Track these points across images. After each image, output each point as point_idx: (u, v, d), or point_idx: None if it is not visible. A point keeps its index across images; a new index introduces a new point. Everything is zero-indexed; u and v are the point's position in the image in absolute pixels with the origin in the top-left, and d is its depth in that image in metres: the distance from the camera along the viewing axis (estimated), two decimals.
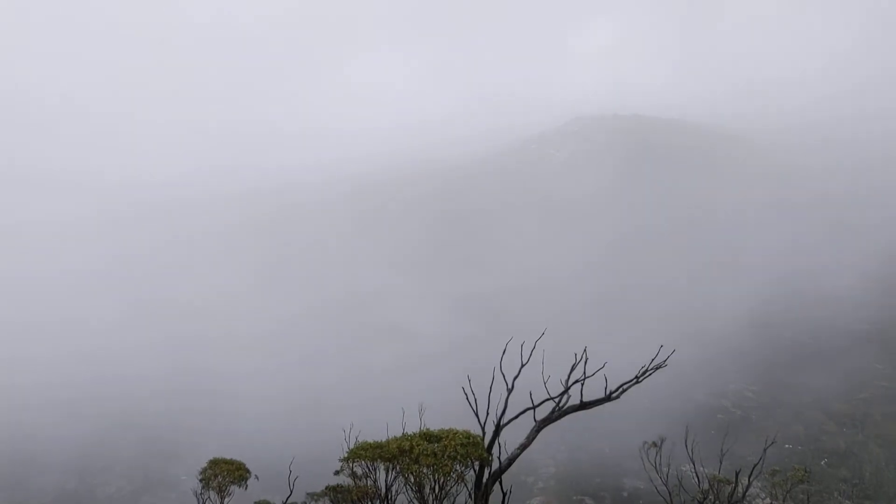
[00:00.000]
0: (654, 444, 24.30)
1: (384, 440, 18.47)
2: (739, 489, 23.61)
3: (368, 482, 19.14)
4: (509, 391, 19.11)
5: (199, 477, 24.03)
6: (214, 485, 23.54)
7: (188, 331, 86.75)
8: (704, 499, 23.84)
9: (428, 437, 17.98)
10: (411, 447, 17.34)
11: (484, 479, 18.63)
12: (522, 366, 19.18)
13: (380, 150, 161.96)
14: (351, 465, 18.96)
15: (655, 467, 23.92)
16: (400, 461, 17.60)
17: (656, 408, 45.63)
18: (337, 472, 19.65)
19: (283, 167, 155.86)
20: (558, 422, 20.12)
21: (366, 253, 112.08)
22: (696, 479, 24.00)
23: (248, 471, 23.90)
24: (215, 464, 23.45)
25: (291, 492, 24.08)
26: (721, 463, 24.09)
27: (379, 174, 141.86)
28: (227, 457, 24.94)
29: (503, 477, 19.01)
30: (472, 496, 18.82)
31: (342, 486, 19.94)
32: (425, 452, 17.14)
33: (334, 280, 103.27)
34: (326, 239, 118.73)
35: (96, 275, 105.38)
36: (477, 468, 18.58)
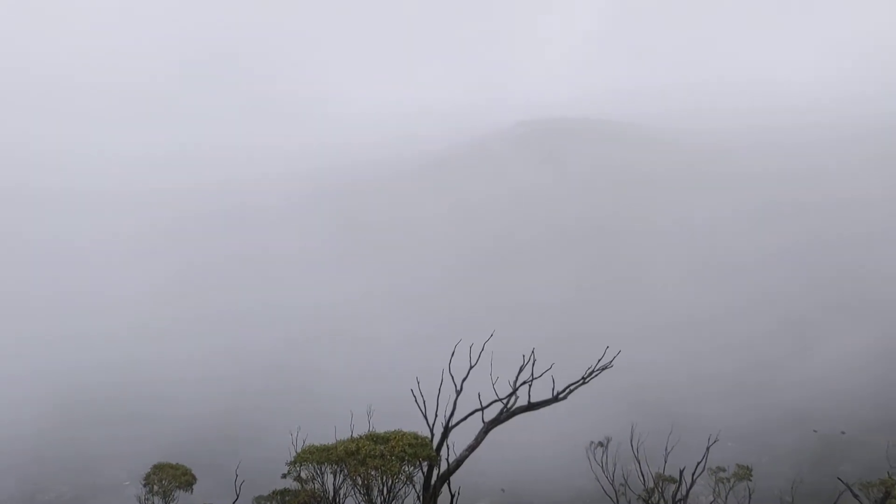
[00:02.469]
0: (601, 444, 24.63)
1: (332, 443, 18.38)
2: (683, 488, 24.05)
3: (316, 485, 19.01)
4: (458, 393, 19.19)
5: (143, 482, 23.65)
6: (158, 490, 23.17)
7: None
8: (650, 497, 24.24)
9: (375, 439, 17.95)
10: (358, 449, 17.28)
11: (432, 481, 18.67)
12: (471, 367, 19.30)
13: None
14: (298, 468, 18.82)
15: (602, 467, 24.26)
16: (347, 463, 17.52)
17: (604, 407, 46.32)
18: (284, 476, 19.51)
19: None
20: (507, 423, 20.27)
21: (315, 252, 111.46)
22: (642, 478, 24.40)
23: (193, 476, 23.58)
24: (160, 468, 23.09)
25: (238, 496, 23.79)
26: (666, 462, 24.54)
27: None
28: (173, 461, 24.61)
29: (452, 478, 19.09)
30: (421, 498, 18.84)
31: (289, 490, 19.79)
32: (372, 454, 17.11)
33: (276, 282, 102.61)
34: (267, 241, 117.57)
35: None
36: (425, 469, 18.61)
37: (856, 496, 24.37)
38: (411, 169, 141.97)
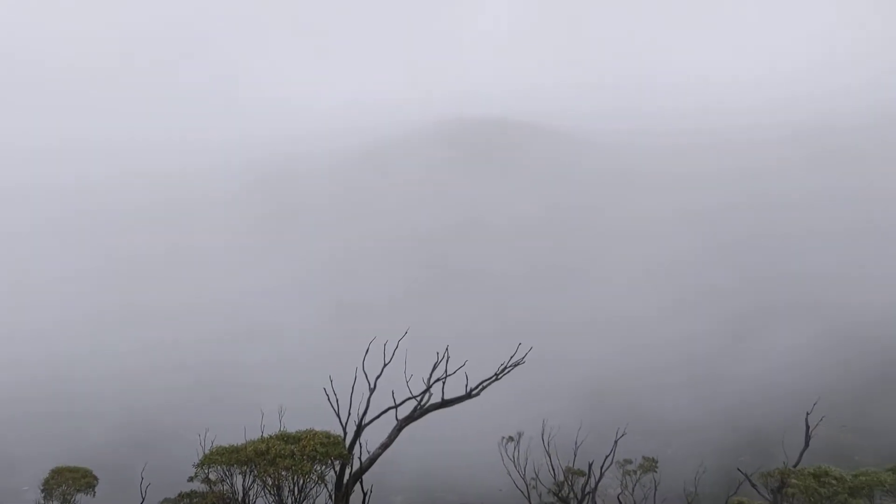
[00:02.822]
0: (511, 439, 24.96)
1: (241, 444, 18.04)
2: (592, 481, 24.64)
3: (224, 487, 18.60)
4: (371, 391, 19.12)
5: (41, 487, 22.66)
6: (58, 494, 22.25)
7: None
8: (559, 490, 24.72)
9: (286, 438, 17.70)
10: (268, 449, 17.01)
11: (344, 480, 18.54)
12: (385, 365, 19.23)
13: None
14: (206, 470, 18.37)
15: (514, 462, 24.60)
16: (257, 464, 17.22)
17: (517, 402, 46.95)
18: (191, 479, 19.00)
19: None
20: (421, 420, 20.31)
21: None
22: (552, 472, 24.86)
23: (95, 477, 22.74)
24: (58, 472, 22.16)
25: (143, 498, 23.08)
26: (575, 456, 25.09)
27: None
28: (85, 463, 23.71)
29: (365, 476, 19.00)
30: (333, 497, 18.68)
31: (196, 493, 19.30)
32: (282, 454, 16.86)
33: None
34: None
35: None
36: (337, 468, 18.47)
37: (754, 486, 25.50)
38: (340, 162, 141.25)
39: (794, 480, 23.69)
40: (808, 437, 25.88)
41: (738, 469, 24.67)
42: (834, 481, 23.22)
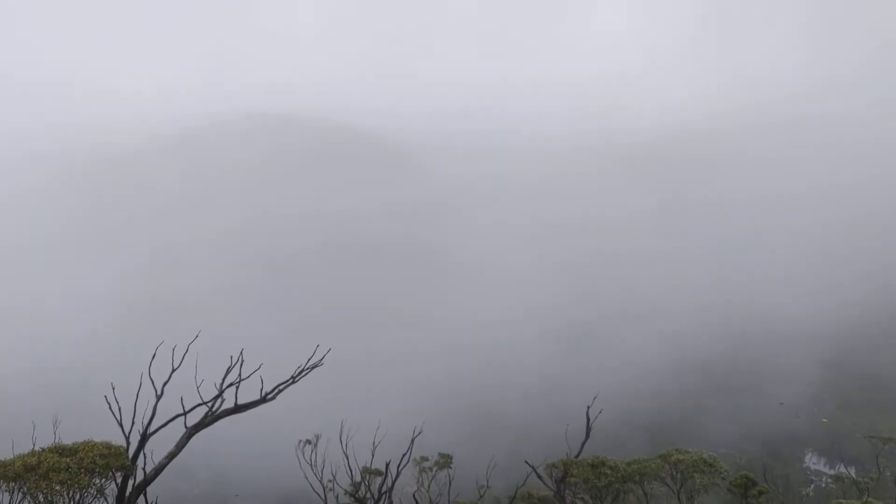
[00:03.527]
0: (309, 442, 24.81)
1: (7, 458, 16.58)
2: (389, 479, 25.00)
3: None
4: (158, 397, 18.26)
5: None
6: None
7: None
8: (356, 491, 24.88)
9: (61, 451, 16.48)
10: (39, 463, 15.75)
11: (127, 492, 17.58)
12: (174, 370, 18.47)
13: None
14: None
15: (311, 464, 24.45)
16: (27, 479, 15.89)
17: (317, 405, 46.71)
18: None
19: None
20: (216, 426, 19.66)
21: None
22: (350, 473, 24.96)
23: None
24: None
25: None
26: (373, 455, 25.33)
27: None
28: None
29: (152, 488, 18.11)
30: None
31: None
32: (56, 468, 15.69)
33: None
34: None
35: None
36: (119, 480, 17.47)
37: (540, 477, 27.05)
38: (153, 156, 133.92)
39: (574, 470, 25.45)
40: (588, 429, 27.77)
41: (526, 462, 26.01)
42: (609, 470, 25.22)
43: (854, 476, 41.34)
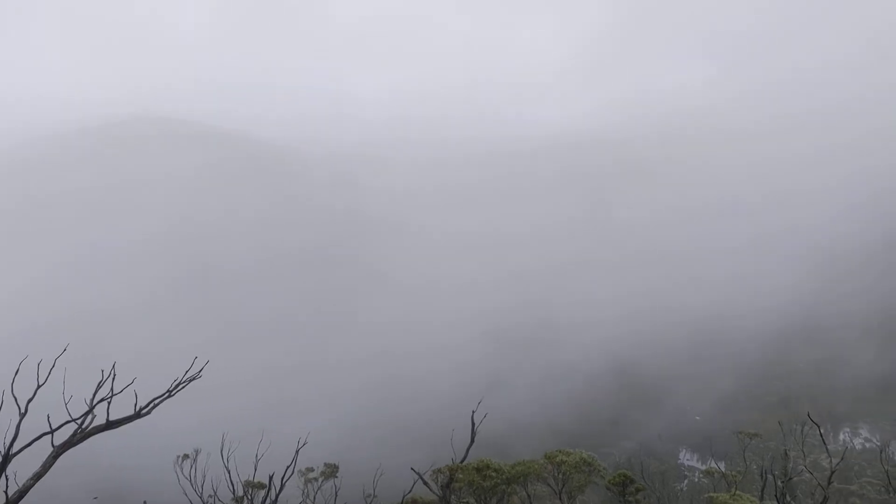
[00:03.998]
0: (188, 456, 24.08)
1: None
2: (273, 492, 24.56)
3: None
4: (21, 416, 17.25)
5: None
6: None
7: None
8: None
9: None
10: None
11: None
12: (39, 386, 17.50)
13: None
14: None
15: (190, 479, 23.73)
16: None
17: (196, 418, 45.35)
18: None
19: None
20: (87, 443, 18.76)
21: None
22: (231, 487, 24.37)
23: None
24: None
25: None
26: (256, 469, 24.83)
27: None
28: None
29: None
30: None
31: None
32: None
33: None
34: None
35: None
36: None
37: (426, 483, 27.21)
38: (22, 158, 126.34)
39: (460, 475, 25.76)
40: (473, 434, 28.15)
41: (412, 469, 26.12)
42: (494, 473, 25.68)
43: (723, 470, 43.66)
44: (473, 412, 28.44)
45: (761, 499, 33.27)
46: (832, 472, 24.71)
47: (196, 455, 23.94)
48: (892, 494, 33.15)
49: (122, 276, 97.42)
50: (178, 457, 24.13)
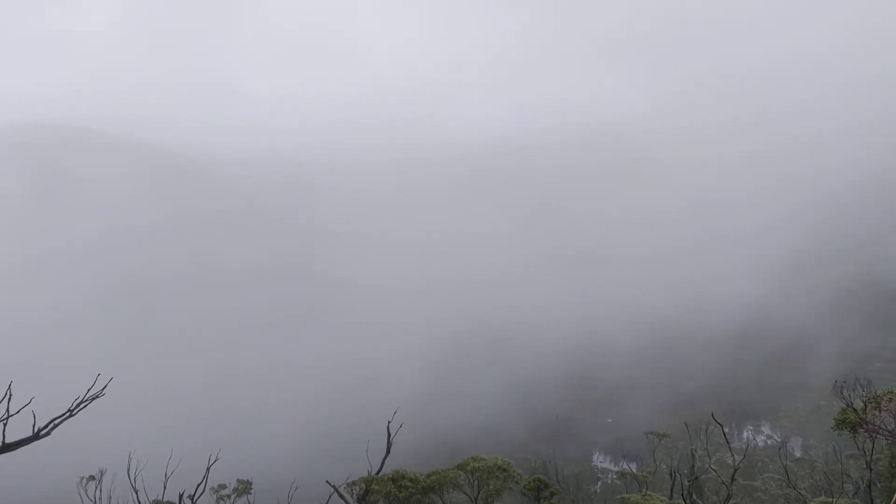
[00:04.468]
0: (93, 478, 23.20)
1: None
2: None
3: None
4: None
5: None
6: None
7: None
8: None
9: None
10: None
11: None
12: None
13: None
14: None
15: (94, 501, 22.84)
16: None
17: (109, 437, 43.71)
18: None
19: None
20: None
21: None
22: None
23: None
24: None
25: None
26: (165, 488, 24.10)
27: None
28: None
29: None
30: None
31: None
32: None
33: None
34: None
35: None
36: None
37: (342, 496, 26.96)
38: None
39: (375, 487, 25.65)
40: (389, 444, 28.05)
41: (327, 482, 25.86)
42: (409, 483, 25.67)
43: (635, 471, 44.81)
44: (389, 423, 28.32)
45: (671, 497, 34.35)
46: (735, 470, 25.76)
47: (101, 476, 23.06)
48: (791, 489, 34.68)
49: (40, 289, 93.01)
50: (83, 478, 23.19)
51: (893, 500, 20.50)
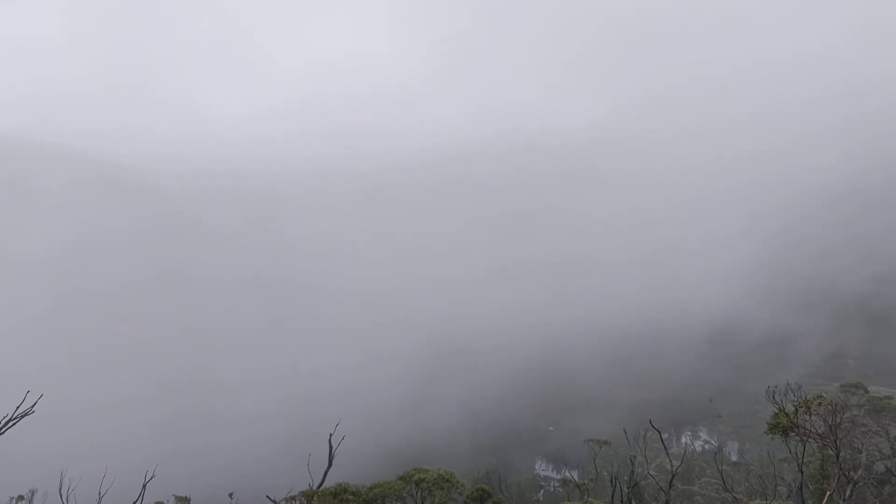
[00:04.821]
0: (22, 497, 22.39)
1: None
2: None
3: None
4: None
5: None
6: None
7: None
8: None
9: None
10: None
11: None
12: None
13: None
14: None
15: None
16: None
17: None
18: None
19: None
20: None
21: None
22: None
23: None
24: None
25: None
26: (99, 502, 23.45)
27: None
28: None
29: None
30: None
31: None
32: None
33: None
34: None
35: None
36: None
37: None
38: None
39: (316, 501, 25.35)
40: (331, 457, 27.78)
41: (267, 496, 25.50)
42: (351, 497, 25.46)
43: (577, 479, 45.27)
44: (331, 435, 28.08)
45: (611, 503, 34.80)
46: (672, 475, 26.23)
47: (32, 495, 22.24)
48: (727, 493, 35.54)
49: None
50: (12, 498, 22.35)
51: (824, 501, 21.15)
